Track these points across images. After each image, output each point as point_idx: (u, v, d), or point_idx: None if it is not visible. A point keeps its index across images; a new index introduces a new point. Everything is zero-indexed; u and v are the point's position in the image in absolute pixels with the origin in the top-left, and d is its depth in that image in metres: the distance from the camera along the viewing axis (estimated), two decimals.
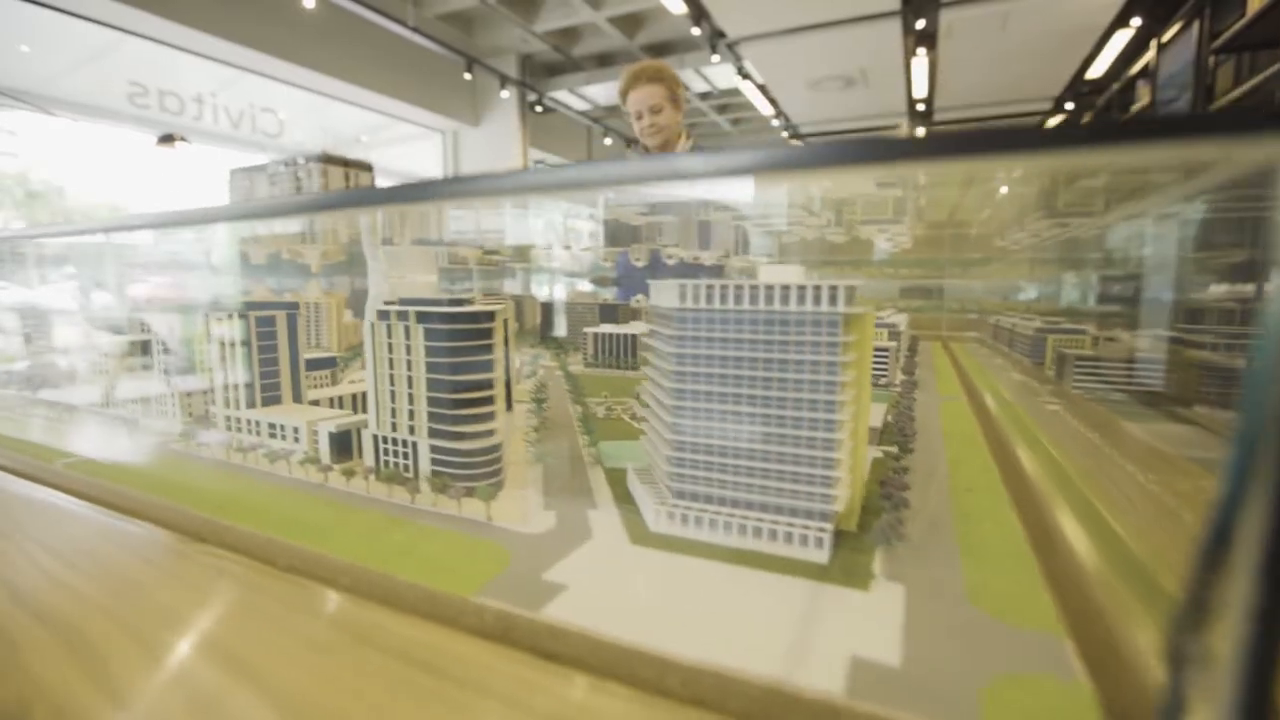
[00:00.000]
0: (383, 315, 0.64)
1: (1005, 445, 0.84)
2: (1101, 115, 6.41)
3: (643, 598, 0.44)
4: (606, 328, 1.67)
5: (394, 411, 0.65)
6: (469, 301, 0.63)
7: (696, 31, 5.43)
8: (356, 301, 2.37)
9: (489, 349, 0.61)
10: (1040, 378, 1.40)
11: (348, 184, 3.64)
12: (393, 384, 0.64)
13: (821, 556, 0.49)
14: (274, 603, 0.47)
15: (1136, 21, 5.22)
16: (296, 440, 0.73)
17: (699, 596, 0.44)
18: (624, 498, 0.63)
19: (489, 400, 0.62)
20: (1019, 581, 0.47)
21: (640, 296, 2.65)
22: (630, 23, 6.56)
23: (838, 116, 7.94)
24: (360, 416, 0.74)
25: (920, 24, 5.55)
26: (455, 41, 6.23)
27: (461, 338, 0.60)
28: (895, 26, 5.70)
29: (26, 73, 4.51)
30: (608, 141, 8.58)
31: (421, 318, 0.61)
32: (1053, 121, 7.65)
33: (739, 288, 0.49)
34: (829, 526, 0.50)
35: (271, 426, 0.75)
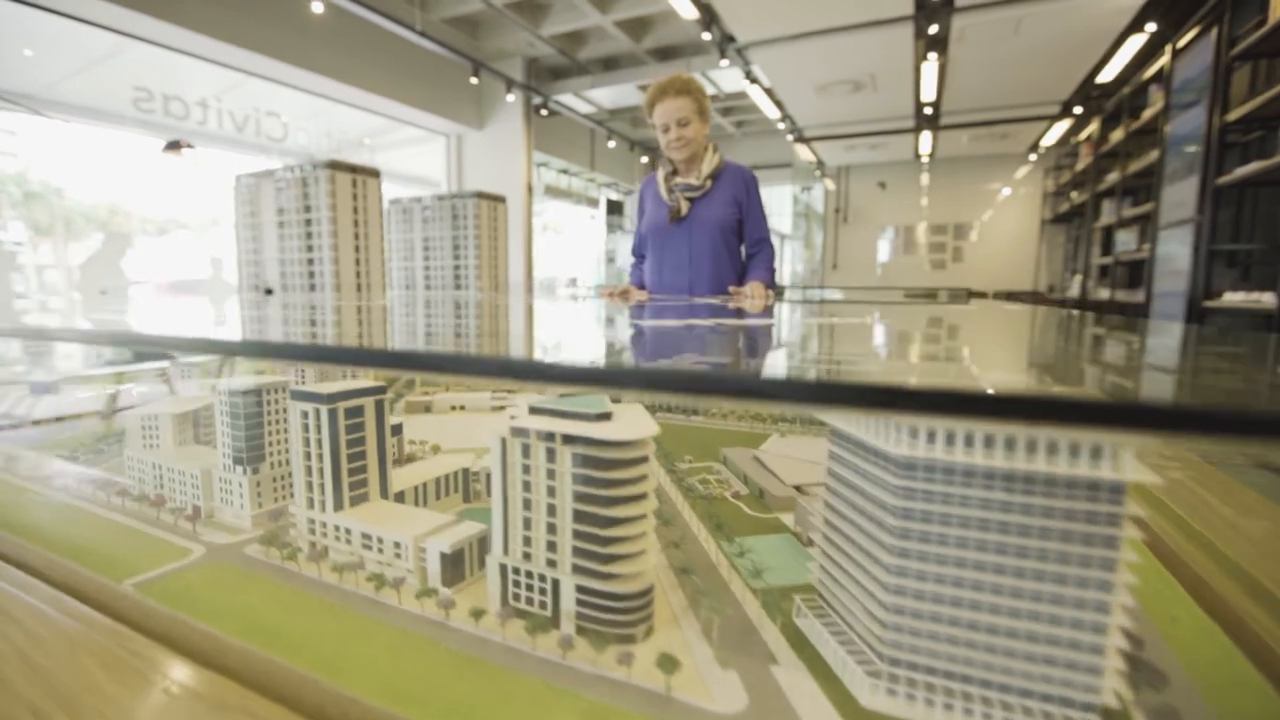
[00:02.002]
0: (518, 433, 0.55)
1: (1153, 536, 0.77)
2: (1110, 122, 6.37)
3: None
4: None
5: (528, 540, 0.57)
6: (610, 415, 0.55)
7: (707, 36, 5.35)
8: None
9: (645, 478, 0.53)
10: None
11: (355, 190, 3.52)
12: (528, 509, 0.56)
13: None
14: None
15: (1151, 26, 5.18)
16: (398, 556, 0.65)
17: None
18: (797, 640, 0.55)
19: (644, 536, 0.54)
20: None
21: None
22: (637, 26, 6.47)
23: (844, 120, 7.89)
24: (472, 528, 0.66)
25: (932, 29, 5.50)
26: (461, 45, 6.12)
27: (617, 467, 0.52)
28: (906, 31, 5.64)
29: (30, 77, 4.40)
30: (611, 144, 8.49)
31: (568, 440, 0.53)
32: (1059, 125, 7.61)
33: (989, 437, 0.42)
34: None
35: (366, 538, 0.67)
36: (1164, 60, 4.90)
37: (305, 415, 0.70)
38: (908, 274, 9.40)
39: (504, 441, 0.56)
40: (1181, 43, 4.62)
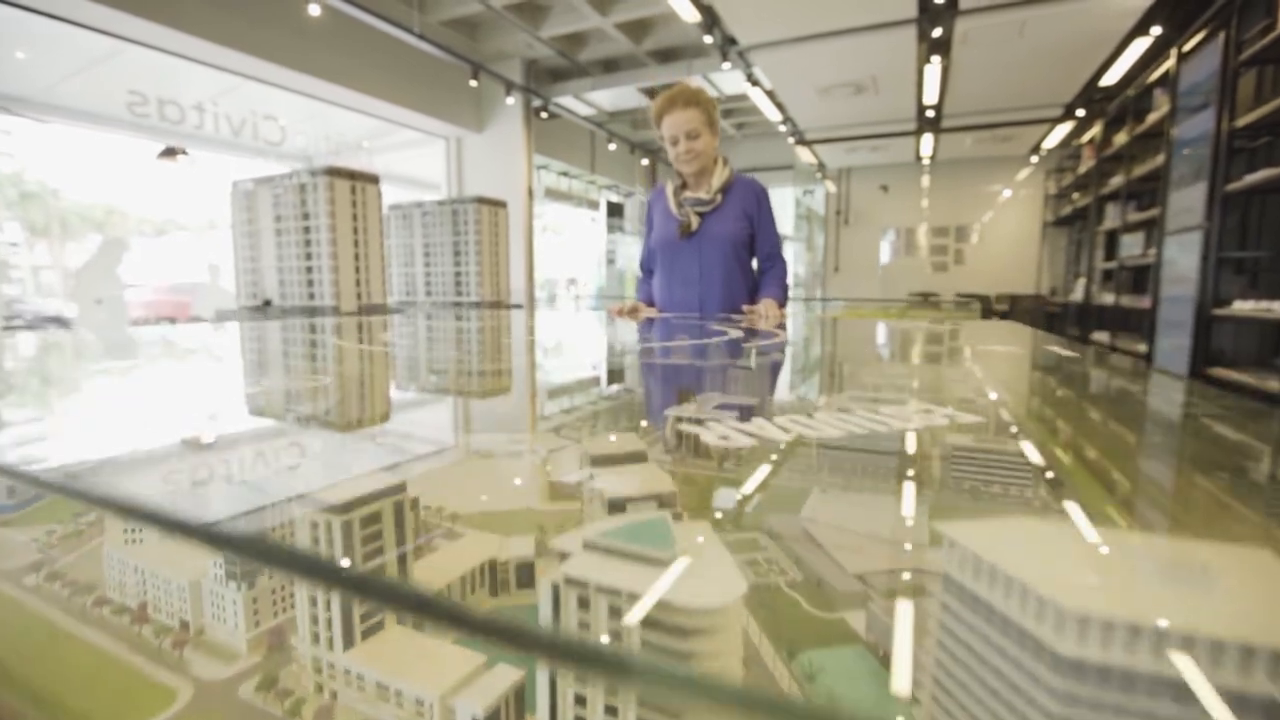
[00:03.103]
0: (575, 583, 0.47)
1: None
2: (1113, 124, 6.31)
3: None
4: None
5: (582, 700, 0.48)
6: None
7: (709, 39, 5.26)
8: None
9: (730, 651, 0.45)
10: None
11: (354, 197, 3.41)
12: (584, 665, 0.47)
13: None
14: None
15: (1156, 30, 5.11)
16: (420, 716, 0.55)
17: None
18: None
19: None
20: None
21: None
22: (637, 29, 6.37)
23: (846, 122, 7.82)
24: (508, 677, 0.56)
25: (936, 32, 5.41)
26: (460, 47, 6.01)
27: (696, 636, 0.44)
28: (909, 34, 5.57)
29: (26, 79, 4.30)
30: (612, 147, 8.39)
31: (636, 598, 0.44)
32: (1061, 127, 7.55)
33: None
34: None
35: (381, 689, 0.57)
36: (1169, 64, 4.84)
37: (314, 526, 0.60)
38: (909, 276, 9.34)
39: (556, 589, 0.47)
40: (1187, 47, 4.56)
